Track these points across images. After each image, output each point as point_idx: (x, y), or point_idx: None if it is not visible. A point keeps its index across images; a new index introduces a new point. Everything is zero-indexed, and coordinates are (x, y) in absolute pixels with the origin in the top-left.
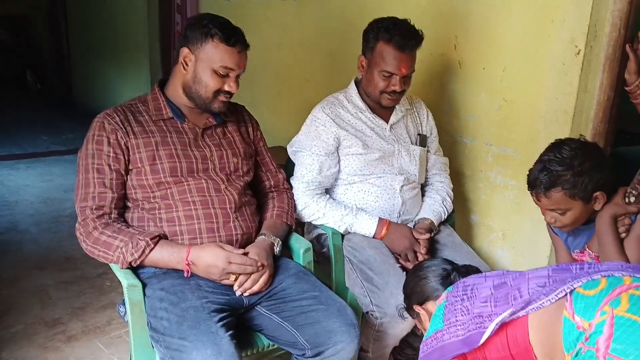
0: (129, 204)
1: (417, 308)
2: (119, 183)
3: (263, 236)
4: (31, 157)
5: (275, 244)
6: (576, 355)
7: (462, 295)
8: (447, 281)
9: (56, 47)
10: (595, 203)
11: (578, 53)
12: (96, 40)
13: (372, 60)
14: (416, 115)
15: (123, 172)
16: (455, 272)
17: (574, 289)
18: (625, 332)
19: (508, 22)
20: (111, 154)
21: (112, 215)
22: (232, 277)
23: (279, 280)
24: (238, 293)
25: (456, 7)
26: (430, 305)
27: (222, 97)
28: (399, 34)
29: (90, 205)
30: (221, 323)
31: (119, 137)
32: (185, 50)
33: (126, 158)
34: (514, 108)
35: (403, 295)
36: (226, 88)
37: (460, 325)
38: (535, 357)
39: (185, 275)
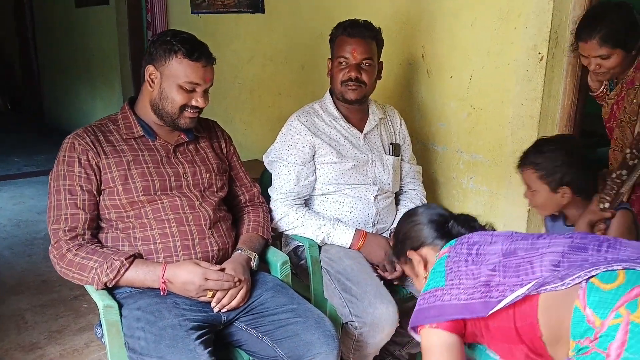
0: (103, 225)
1: (410, 254)
2: (91, 204)
3: (240, 251)
4: (2, 180)
5: (252, 259)
6: (580, 350)
7: (467, 255)
8: (444, 228)
9: (26, 67)
10: (563, 197)
11: (541, 59)
12: (66, 60)
13: (333, 56)
14: (390, 124)
15: (95, 193)
16: (452, 221)
17: (590, 277)
18: None
19: (473, 31)
20: (82, 175)
21: (86, 237)
22: (210, 294)
23: (257, 294)
24: (216, 309)
25: (422, 18)
26: (425, 251)
27: (188, 113)
28: (349, 24)
29: (63, 227)
30: (199, 340)
31: (89, 157)
32: (150, 68)
33: (98, 178)
34: (481, 115)
35: (393, 241)
36: (193, 103)
37: (464, 290)
38: (541, 333)
39: (162, 294)
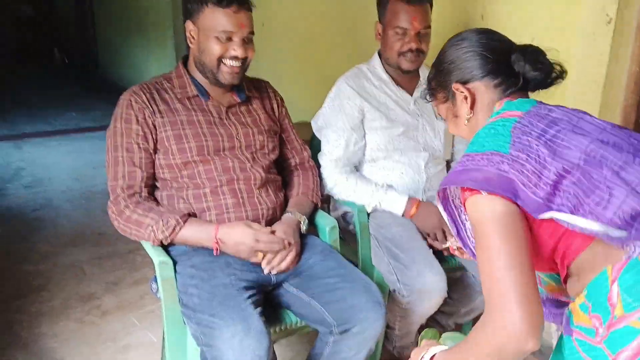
0: (158, 184)
1: (456, 87)
2: (148, 162)
3: (289, 214)
4: (61, 134)
5: (302, 222)
6: (586, 330)
7: (542, 132)
8: (503, 60)
9: (82, 23)
10: None
11: (609, 22)
12: (121, 16)
13: (386, 22)
14: None
15: (152, 151)
16: (518, 52)
17: None
18: None
19: None
20: (140, 133)
21: (143, 194)
22: (260, 255)
23: (306, 258)
24: (266, 271)
25: None
26: (476, 86)
27: (228, 65)
28: None
29: (121, 185)
30: (250, 300)
31: (146, 115)
32: (189, 25)
33: (154, 137)
34: None
35: (433, 70)
36: (232, 53)
37: (527, 175)
38: (570, 263)
39: (215, 253)
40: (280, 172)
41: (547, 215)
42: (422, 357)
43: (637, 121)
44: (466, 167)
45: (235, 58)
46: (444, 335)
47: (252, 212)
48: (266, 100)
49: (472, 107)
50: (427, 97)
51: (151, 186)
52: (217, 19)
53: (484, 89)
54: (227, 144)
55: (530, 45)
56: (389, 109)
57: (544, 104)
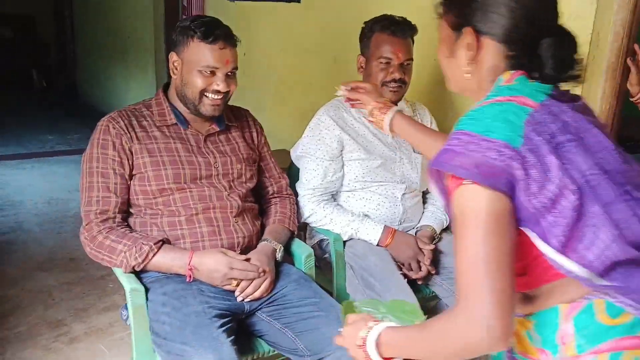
0: (132, 210)
1: (467, 32)
2: (123, 188)
3: (265, 242)
4: (36, 157)
5: (277, 250)
6: None
7: (551, 136)
8: (534, 35)
9: (62, 46)
10: None
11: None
12: (102, 40)
13: (369, 53)
14: (419, 122)
15: (127, 177)
16: (551, 41)
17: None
18: None
19: None
20: (116, 159)
21: (116, 220)
22: (234, 283)
23: (280, 286)
24: (239, 299)
25: None
26: (487, 44)
27: (210, 98)
28: (389, 22)
29: (95, 210)
30: (222, 328)
31: (123, 141)
32: (173, 56)
33: (130, 163)
34: None
35: None
36: (214, 87)
37: (528, 179)
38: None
39: (188, 280)
40: (258, 200)
41: (532, 236)
42: (366, 337)
43: None
44: (467, 149)
45: (217, 92)
46: (363, 301)
47: (228, 241)
48: (246, 128)
49: (473, 60)
50: (440, 7)
51: (125, 212)
52: (202, 54)
53: (494, 51)
54: (204, 172)
55: (568, 37)
56: (368, 141)
57: (557, 96)
